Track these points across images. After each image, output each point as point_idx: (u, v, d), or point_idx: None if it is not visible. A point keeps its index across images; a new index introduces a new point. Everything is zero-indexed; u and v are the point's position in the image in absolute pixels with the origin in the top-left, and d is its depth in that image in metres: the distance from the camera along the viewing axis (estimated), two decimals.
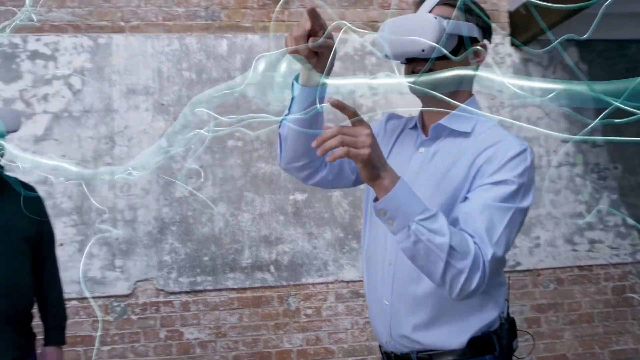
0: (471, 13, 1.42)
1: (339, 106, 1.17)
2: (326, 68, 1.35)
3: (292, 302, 3.65)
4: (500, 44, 3.88)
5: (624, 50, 4.03)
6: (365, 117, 1.29)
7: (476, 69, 1.46)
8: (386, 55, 1.43)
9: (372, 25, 3.77)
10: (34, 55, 3.48)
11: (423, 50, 1.34)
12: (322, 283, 3.69)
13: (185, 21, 3.60)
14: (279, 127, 1.51)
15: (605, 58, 3.98)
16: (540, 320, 3.88)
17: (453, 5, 1.39)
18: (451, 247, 1.21)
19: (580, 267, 3.94)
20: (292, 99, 1.42)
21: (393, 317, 1.49)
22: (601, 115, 0.91)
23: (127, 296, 3.52)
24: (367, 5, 3.79)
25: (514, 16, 3.82)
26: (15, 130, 2.29)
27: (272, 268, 3.64)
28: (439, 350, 1.45)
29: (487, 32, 1.48)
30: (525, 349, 1.73)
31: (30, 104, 3.45)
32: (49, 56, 3.49)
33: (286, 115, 1.45)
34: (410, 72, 1.43)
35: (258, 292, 3.63)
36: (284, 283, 3.65)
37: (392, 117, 1.68)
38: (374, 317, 1.58)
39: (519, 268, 3.82)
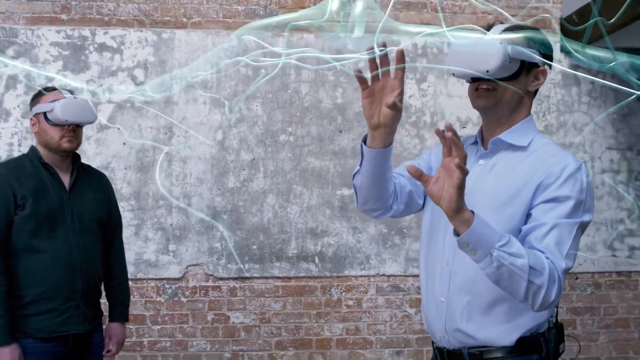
0: (534, 41, 1.53)
1: (451, 139, 1.33)
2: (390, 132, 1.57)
3: (334, 292, 3.80)
4: None
5: None
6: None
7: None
8: (453, 74, 1.57)
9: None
10: (101, 47, 3.67)
11: (487, 71, 1.46)
12: (363, 276, 3.82)
13: (244, 19, 3.74)
14: (353, 178, 1.70)
15: None
16: (576, 323, 3.95)
17: (518, 30, 1.52)
18: (531, 267, 1.34)
19: (619, 273, 4.00)
20: (362, 158, 1.61)
21: (449, 313, 1.61)
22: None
23: (178, 279, 3.71)
24: (420, 9, 3.88)
25: (565, 23, 3.87)
26: (92, 122, 2.46)
27: (316, 259, 3.78)
28: (489, 346, 1.56)
29: (548, 59, 1.58)
30: (567, 353, 1.83)
31: (95, 93, 3.64)
32: (116, 49, 3.68)
33: (357, 170, 1.65)
34: (475, 90, 1.58)
35: (302, 282, 3.79)
36: (327, 274, 3.79)
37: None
38: (429, 313, 1.70)
39: None
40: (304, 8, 3.76)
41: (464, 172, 1.30)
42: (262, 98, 3.76)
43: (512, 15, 3.19)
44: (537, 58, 1.53)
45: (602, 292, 3.98)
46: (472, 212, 1.36)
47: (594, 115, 3.96)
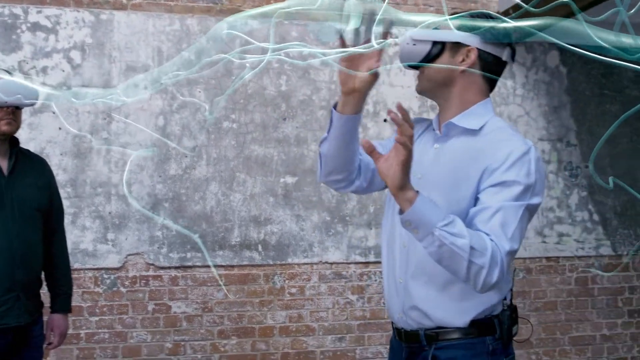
0: (466, 26, 1.57)
1: (401, 118, 1.31)
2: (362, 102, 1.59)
3: (277, 280, 3.80)
4: None
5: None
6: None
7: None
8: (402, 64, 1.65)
9: None
10: (35, 27, 3.49)
11: (402, 60, 1.60)
12: (306, 264, 3.84)
13: (187, 2, 3.65)
14: (320, 145, 1.68)
15: (584, 62, 4.21)
16: None
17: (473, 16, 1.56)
18: (471, 247, 1.36)
19: (548, 258, 4.20)
20: (331, 124, 1.60)
21: (406, 293, 1.64)
22: None
23: (117, 269, 3.61)
24: None
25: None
26: (34, 104, 2.35)
27: (259, 247, 3.77)
28: (444, 327, 1.60)
29: (500, 46, 1.62)
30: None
31: (28, 75, 3.47)
32: (50, 29, 3.51)
33: (325, 137, 1.64)
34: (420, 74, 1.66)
35: (245, 270, 3.76)
36: (271, 262, 3.79)
37: (417, 120, 1.81)
38: (388, 295, 1.73)
39: None
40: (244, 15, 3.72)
41: (408, 149, 1.31)
42: (204, 84, 3.69)
43: (452, 9, 3.27)
44: (452, 37, 1.57)
45: (532, 276, 4.17)
46: (417, 192, 1.38)
47: (528, 108, 4.13)
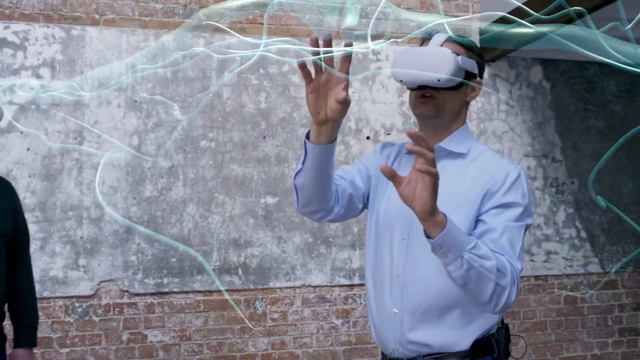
0: (473, 52, 1.58)
1: (418, 148, 1.24)
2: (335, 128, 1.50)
3: (258, 305, 3.64)
4: None
5: (583, 71, 4.23)
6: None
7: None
8: (401, 81, 1.55)
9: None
10: (2, 43, 3.34)
11: (439, 80, 1.48)
12: (289, 287, 3.69)
13: (162, 18, 3.53)
14: (294, 178, 1.59)
15: (567, 77, 4.17)
16: None
17: (458, 43, 1.55)
18: (497, 269, 1.34)
19: (537, 277, 4.10)
20: (305, 155, 1.50)
21: (404, 324, 1.57)
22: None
23: (89, 297, 3.42)
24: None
25: (484, 30, 3.94)
26: None
27: (240, 271, 3.61)
28: (445, 352, 1.54)
29: (482, 71, 1.64)
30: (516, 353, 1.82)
31: None
32: (18, 45, 3.36)
33: (300, 169, 1.54)
34: (419, 97, 1.58)
35: (225, 296, 3.60)
36: (252, 287, 3.63)
37: (385, 145, 1.84)
38: (380, 326, 1.65)
39: None
40: (225, 9, 3.62)
41: (434, 175, 1.26)
42: (181, 102, 3.56)
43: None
44: (472, 68, 1.57)
45: (521, 296, 4.06)
46: (444, 214, 1.32)
47: (512, 123, 4.06)
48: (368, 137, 3.83)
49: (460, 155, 1.61)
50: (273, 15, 3.71)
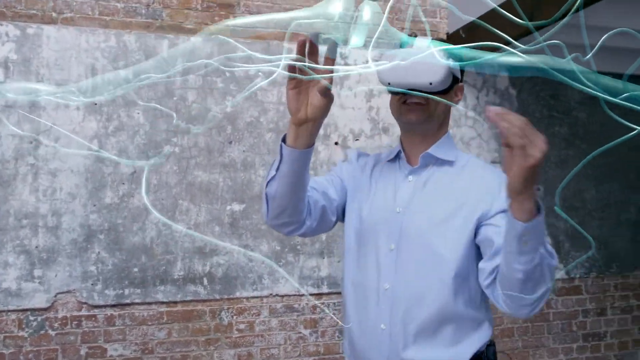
0: (455, 56, 1.52)
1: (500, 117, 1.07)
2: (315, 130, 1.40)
3: (224, 316, 3.52)
4: None
5: (548, 79, 4.25)
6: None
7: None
8: (388, 84, 1.47)
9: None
10: None
11: (431, 84, 1.43)
12: (256, 297, 3.58)
13: (124, 17, 3.39)
14: (266, 186, 1.45)
15: (533, 84, 4.19)
16: None
17: (440, 48, 1.49)
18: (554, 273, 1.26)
19: None
20: (281, 160, 1.38)
21: (393, 341, 1.49)
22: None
23: (45, 309, 3.24)
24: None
25: (451, 38, 3.93)
26: None
27: (205, 281, 3.49)
28: None
29: (463, 75, 1.60)
30: None
31: None
32: None
33: (273, 176, 1.42)
34: (403, 102, 1.52)
35: (189, 306, 3.47)
36: (217, 297, 3.51)
37: (360, 154, 1.76)
38: (364, 343, 1.55)
39: None
40: (189, 8, 3.51)
41: (540, 154, 1.05)
42: (144, 105, 3.42)
43: (403, 29, 3.16)
44: (459, 74, 1.55)
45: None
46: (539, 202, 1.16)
47: (479, 130, 4.06)
48: (336, 143, 3.76)
49: (448, 162, 1.56)
50: (239, 18, 3.61)
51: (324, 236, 3.69)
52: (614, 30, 0.77)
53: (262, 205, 1.50)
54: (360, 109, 3.80)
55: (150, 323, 3.39)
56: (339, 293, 3.70)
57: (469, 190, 1.49)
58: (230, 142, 3.57)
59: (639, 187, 4.42)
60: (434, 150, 1.56)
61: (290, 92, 1.33)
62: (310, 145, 1.38)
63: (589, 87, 0.80)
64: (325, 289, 3.68)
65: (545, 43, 0.71)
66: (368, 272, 1.54)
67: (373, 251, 1.54)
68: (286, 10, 3.59)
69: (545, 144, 1.04)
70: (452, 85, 1.50)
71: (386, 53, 1.47)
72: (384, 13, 1.14)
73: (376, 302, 1.51)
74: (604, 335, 4.35)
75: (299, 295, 3.65)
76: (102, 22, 3.36)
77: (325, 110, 1.34)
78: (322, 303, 3.69)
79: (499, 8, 1.12)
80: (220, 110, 3.30)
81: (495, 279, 1.35)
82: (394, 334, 1.48)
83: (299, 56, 1.25)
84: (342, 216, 1.68)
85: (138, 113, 3.40)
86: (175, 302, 3.43)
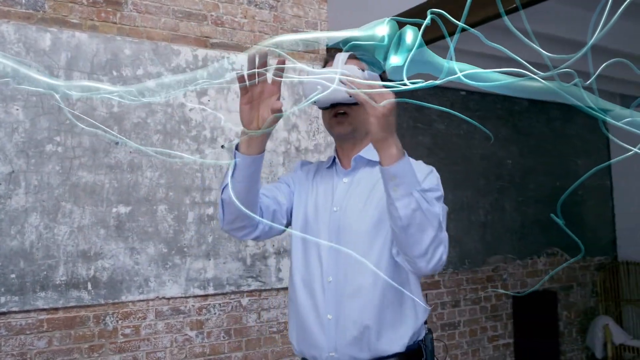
0: (375, 66, 1.66)
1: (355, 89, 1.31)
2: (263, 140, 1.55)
3: (109, 321, 3.41)
4: None
5: (413, 92, 4.66)
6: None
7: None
8: (314, 102, 1.59)
9: (205, 41, 3.78)
10: None
11: (350, 96, 1.51)
12: (142, 300, 3.51)
13: (1, 6, 3.17)
14: (222, 192, 1.58)
15: (400, 97, 4.56)
16: None
17: (358, 59, 1.64)
18: (439, 220, 1.40)
19: None
20: (235, 166, 1.51)
21: (339, 329, 1.62)
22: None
23: None
24: (200, 20, 3.78)
25: (330, 51, 4.17)
26: None
27: (89, 285, 3.36)
28: (383, 356, 1.60)
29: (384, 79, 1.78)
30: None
31: None
32: None
33: (227, 183, 1.52)
34: (334, 115, 1.68)
35: (72, 312, 3.31)
36: (102, 302, 3.39)
37: (304, 163, 1.93)
38: (312, 335, 1.67)
39: None
40: (74, 2, 3.38)
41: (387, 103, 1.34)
42: (24, 101, 3.22)
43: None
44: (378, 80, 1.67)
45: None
46: (404, 151, 1.40)
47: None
48: (223, 146, 3.81)
49: (376, 162, 1.66)
50: (128, 16, 3.54)
51: (210, 237, 3.72)
52: (611, 60, 0.96)
53: (219, 211, 1.61)
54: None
55: (28, 332, 3.19)
56: (225, 294, 3.76)
57: None
58: (117, 143, 3.48)
59: (487, 193, 4.99)
60: (364, 152, 1.73)
61: (243, 106, 1.49)
62: (261, 152, 1.53)
63: (594, 110, 0.95)
64: (211, 291, 3.71)
65: (556, 70, 0.85)
66: (313, 268, 1.68)
67: (315, 250, 1.69)
68: (175, 10, 3.60)
69: (392, 96, 1.32)
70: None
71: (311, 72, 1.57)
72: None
73: (322, 294, 1.65)
74: (457, 324, 4.84)
75: (185, 297, 3.64)
76: None
77: (274, 122, 1.48)
78: (209, 304, 3.72)
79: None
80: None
81: None
82: (340, 323, 1.61)
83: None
84: (291, 219, 1.81)
85: (17, 110, 3.20)
86: (57, 309, 3.27)
